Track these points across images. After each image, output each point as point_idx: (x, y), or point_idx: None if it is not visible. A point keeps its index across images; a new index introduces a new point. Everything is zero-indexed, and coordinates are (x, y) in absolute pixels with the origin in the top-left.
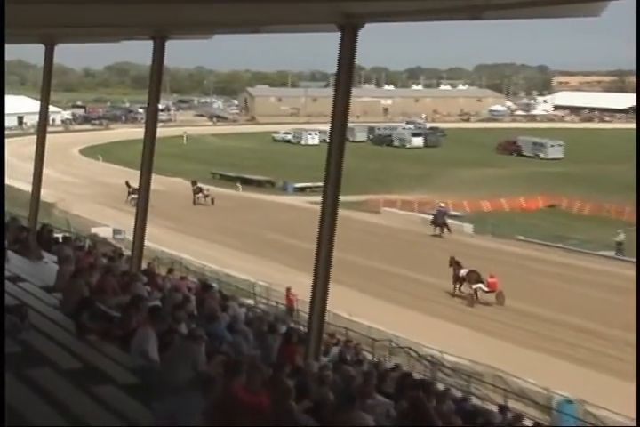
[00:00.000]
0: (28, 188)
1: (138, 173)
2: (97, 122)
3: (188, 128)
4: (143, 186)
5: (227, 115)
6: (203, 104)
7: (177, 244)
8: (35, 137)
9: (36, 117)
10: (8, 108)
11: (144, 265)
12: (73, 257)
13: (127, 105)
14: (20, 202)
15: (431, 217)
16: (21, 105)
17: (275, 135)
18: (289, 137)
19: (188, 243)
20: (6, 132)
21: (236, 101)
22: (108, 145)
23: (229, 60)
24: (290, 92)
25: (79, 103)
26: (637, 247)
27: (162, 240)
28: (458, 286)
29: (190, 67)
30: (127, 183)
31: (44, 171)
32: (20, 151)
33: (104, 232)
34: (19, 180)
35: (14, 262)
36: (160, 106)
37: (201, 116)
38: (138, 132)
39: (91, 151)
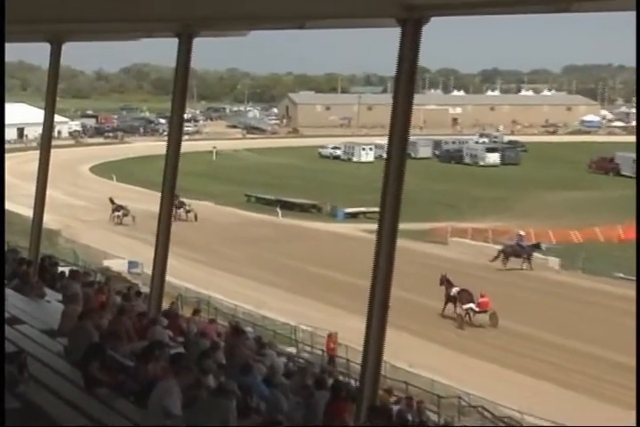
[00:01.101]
0: (28, 212)
1: (158, 194)
2: (111, 134)
3: (218, 142)
4: (165, 210)
5: (264, 126)
6: (236, 113)
7: (205, 279)
8: (37, 152)
9: (39, 129)
10: (7, 118)
11: (165, 305)
12: (81, 295)
13: (146, 114)
14: (20, 229)
15: (507, 248)
16: (22, 114)
17: (321, 150)
18: (338, 152)
19: (217, 279)
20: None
21: (275, 110)
22: (123, 162)
23: (268, 60)
24: (340, 98)
25: (90, 112)
26: (637, 259)
27: (186, 275)
28: (451, 306)
29: (222, 69)
30: (111, 200)
31: (48, 192)
32: (19, 169)
33: (118, 265)
34: (18, 203)
35: (12, 301)
36: (185, 115)
37: (234, 127)
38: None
39: (103, 169)
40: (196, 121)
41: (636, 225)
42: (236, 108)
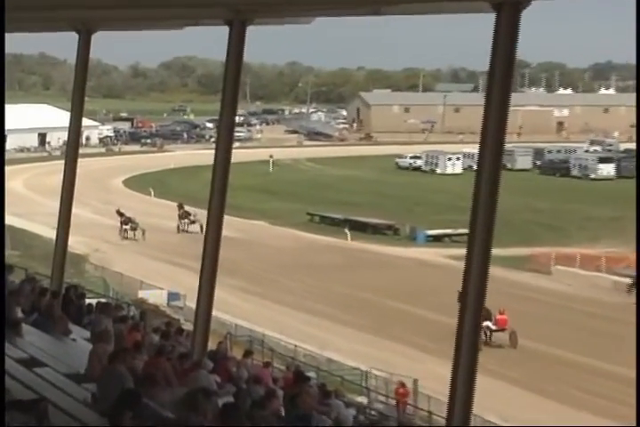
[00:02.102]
0: (50, 234)
1: (204, 212)
2: (148, 141)
3: (275, 150)
4: (212, 232)
5: (331, 131)
6: (297, 116)
7: (259, 315)
8: (62, 162)
9: (64, 135)
10: (26, 122)
11: (211, 345)
12: (112, 332)
13: (191, 117)
14: (40, 253)
15: (629, 280)
16: (44, 117)
17: (399, 160)
18: (419, 163)
19: (274, 314)
20: (23, 155)
21: (344, 112)
22: (163, 174)
23: (336, 53)
24: (421, 98)
25: (124, 115)
26: (637, 262)
27: (237, 310)
28: None
29: (280, 63)
30: (118, 212)
31: (74, 210)
32: (41, 182)
33: (156, 297)
34: (38, 222)
35: (31, 340)
36: (237, 118)
37: (294, 132)
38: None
39: (139, 182)
40: (250, 125)
41: (636, 226)
42: (297, 110)
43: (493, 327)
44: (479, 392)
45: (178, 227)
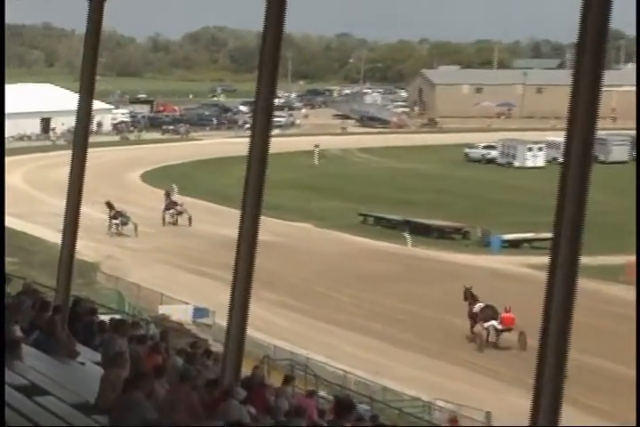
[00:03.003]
0: (55, 238)
1: (237, 213)
2: (171, 128)
3: (322, 138)
4: (246, 236)
5: (388, 116)
6: (348, 97)
7: (301, 335)
8: (68, 153)
9: (72, 120)
10: (26, 105)
11: (245, 370)
12: (128, 355)
13: (221, 99)
14: (42, 260)
15: None
16: (48, 99)
17: (470, 151)
18: (494, 154)
19: (319, 333)
20: (23, 143)
21: (403, 93)
22: (188, 166)
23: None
24: (496, 76)
25: (142, 96)
26: (637, 262)
27: (276, 328)
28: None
29: (329, 35)
30: (108, 204)
31: (83, 210)
32: (43, 176)
33: (179, 313)
34: (40, 224)
35: (31, 363)
36: (277, 101)
37: (344, 117)
38: (238, 144)
39: (159, 177)
40: (292, 109)
41: (636, 226)
42: (347, 91)
43: (499, 327)
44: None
45: (163, 219)
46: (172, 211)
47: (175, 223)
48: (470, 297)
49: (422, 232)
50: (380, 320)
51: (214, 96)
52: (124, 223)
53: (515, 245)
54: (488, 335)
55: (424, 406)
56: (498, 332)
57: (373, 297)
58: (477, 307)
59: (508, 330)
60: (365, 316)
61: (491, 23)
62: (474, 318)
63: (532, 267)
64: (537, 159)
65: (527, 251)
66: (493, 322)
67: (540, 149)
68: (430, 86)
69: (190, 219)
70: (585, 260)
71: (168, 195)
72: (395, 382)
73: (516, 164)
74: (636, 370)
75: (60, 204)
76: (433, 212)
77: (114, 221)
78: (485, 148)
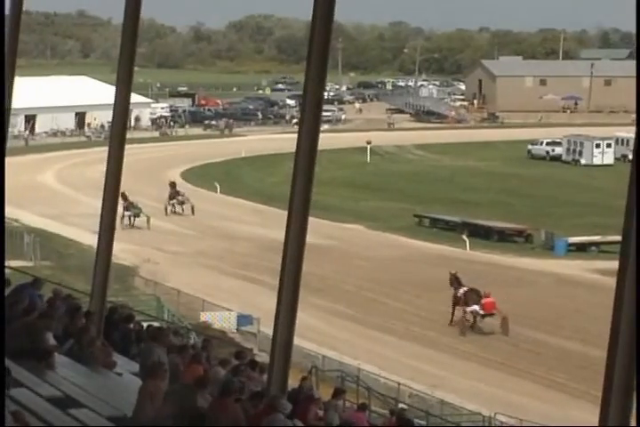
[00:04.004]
0: (90, 240)
1: (283, 214)
2: (214, 123)
3: (374, 134)
4: (294, 238)
5: (445, 110)
6: (402, 90)
7: (353, 344)
8: (105, 149)
9: (108, 115)
10: (60, 99)
11: (292, 381)
12: (167, 365)
13: (267, 92)
14: (77, 264)
15: None
16: (83, 93)
17: (533, 147)
18: (559, 151)
19: (372, 343)
20: (57, 139)
21: (461, 85)
22: (232, 164)
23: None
24: (562, 68)
25: (183, 89)
26: (637, 259)
27: (325, 337)
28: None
29: (382, 23)
30: (123, 195)
31: (121, 210)
32: (78, 175)
33: (222, 320)
34: (75, 225)
35: (64, 373)
36: (327, 94)
37: (398, 111)
38: (285, 140)
39: (201, 175)
40: (342, 102)
41: (636, 223)
42: (401, 83)
43: (481, 312)
44: None
45: (166, 209)
46: (173, 201)
47: (176, 212)
48: (455, 282)
49: (482, 235)
50: (439, 329)
51: (260, 89)
52: (136, 215)
53: (581, 249)
54: (475, 320)
55: (484, 420)
56: (481, 317)
57: (430, 304)
58: (461, 291)
59: (490, 315)
60: (422, 324)
61: (556, 11)
62: (457, 303)
63: (600, 272)
64: (605, 156)
65: (595, 255)
66: (475, 307)
67: (609, 146)
68: (491, 78)
69: (193, 208)
70: None
71: (173, 185)
72: (453, 396)
73: (583, 161)
74: (635, 370)
75: (96, 204)
76: (493, 213)
77: (126, 213)
78: (550, 144)
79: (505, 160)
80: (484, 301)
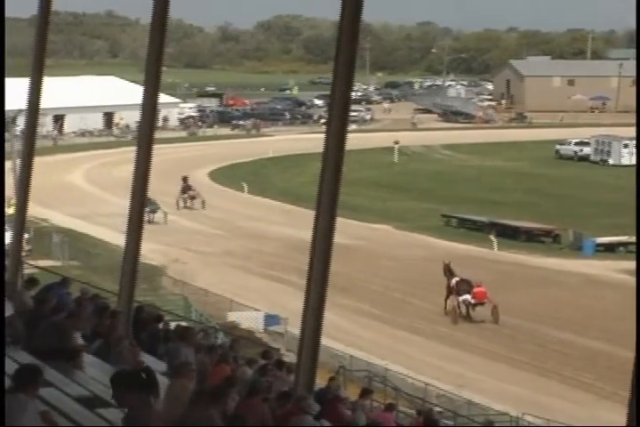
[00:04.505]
0: (118, 240)
1: (311, 214)
2: (241, 123)
3: (402, 134)
4: (321, 238)
5: (473, 110)
6: (430, 90)
7: (380, 344)
8: (133, 149)
9: (136, 114)
10: (88, 99)
11: (320, 381)
12: (195, 365)
13: (295, 92)
14: (105, 264)
15: None
16: (111, 93)
17: (561, 148)
18: (587, 151)
19: (399, 343)
20: (85, 139)
21: (489, 85)
22: (259, 164)
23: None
24: (590, 68)
25: (211, 89)
26: (637, 249)
27: (353, 337)
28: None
29: (409, 23)
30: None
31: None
32: (106, 175)
33: (249, 320)
34: (103, 225)
35: (92, 373)
36: (354, 94)
37: (426, 111)
38: (312, 140)
39: (229, 175)
40: (369, 103)
41: (636, 224)
42: (429, 83)
43: (472, 301)
44: None
45: (177, 203)
46: (185, 195)
47: (187, 206)
48: (448, 272)
49: (510, 235)
50: (465, 329)
51: (288, 89)
52: (153, 211)
53: (609, 249)
54: (468, 309)
55: (512, 420)
56: (472, 306)
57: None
58: (454, 281)
59: (481, 304)
60: (447, 324)
61: (584, 11)
62: (450, 293)
63: (628, 273)
64: (634, 157)
65: (623, 255)
66: (467, 296)
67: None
68: (519, 78)
69: (204, 202)
70: None
71: (185, 179)
72: (480, 396)
73: (611, 161)
74: (635, 370)
75: (124, 203)
76: (521, 213)
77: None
78: (578, 144)
79: (533, 160)
80: (475, 290)
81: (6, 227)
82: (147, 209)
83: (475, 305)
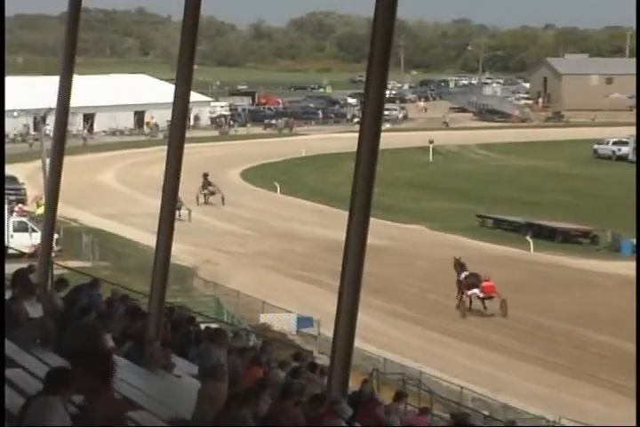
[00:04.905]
0: (149, 240)
1: (344, 214)
2: (274, 122)
3: (436, 133)
4: (355, 239)
5: (509, 109)
6: (465, 89)
7: (414, 346)
8: (164, 148)
9: (167, 113)
10: (119, 97)
11: (353, 384)
12: (227, 367)
13: (328, 91)
14: (136, 265)
15: None
16: (142, 91)
17: (599, 147)
18: (625, 150)
19: (434, 346)
20: (115, 138)
21: (526, 84)
22: (291, 163)
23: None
24: (629, 66)
25: (243, 88)
26: (637, 248)
27: (387, 339)
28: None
29: (444, 20)
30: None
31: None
32: (137, 174)
33: (282, 322)
34: (133, 225)
35: (123, 376)
36: (388, 92)
37: (461, 110)
38: (346, 139)
39: (261, 175)
40: (404, 101)
41: (636, 223)
42: (464, 82)
43: (481, 295)
44: None
45: (197, 198)
46: (205, 191)
47: (207, 202)
48: (459, 266)
49: (546, 236)
50: (503, 332)
51: (321, 88)
52: (178, 208)
53: None
54: (471, 303)
55: (549, 425)
56: (480, 299)
57: (492, 307)
58: (463, 275)
59: (490, 298)
60: (486, 327)
61: (622, 7)
62: (460, 287)
63: None
64: None
65: None
66: (475, 290)
67: None
68: (556, 76)
69: (223, 198)
70: None
71: (206, 176)
72: (517, 400)
73: None
74: (635, 365)
75: (155, 203)
76: (558, 213)
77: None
78: (616, 143)
79: (570, 160)
80: (483, 284)
81: (35, 227)
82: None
83: (483, 299)
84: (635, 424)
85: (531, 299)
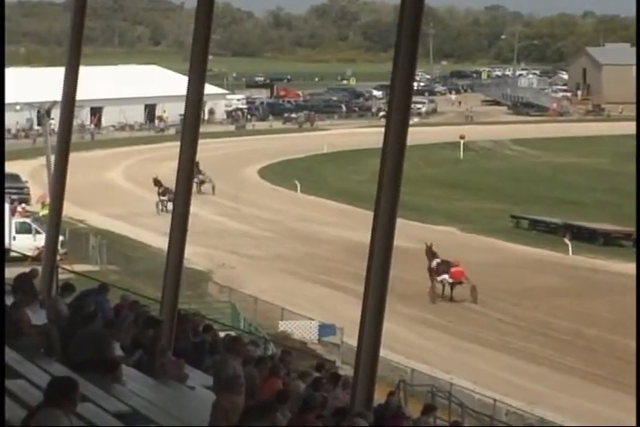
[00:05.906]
0: (160, 242)
1: (369, 214)
2: (294, 115)
3: (467, 128)
4: (381, 241)
5: (546, 102)
6: (499, 80)
7: (444, 356)
8: (176, 144)
9: (180, 106)
10: (129, 90)
11: (379, 396)
12: (243, 379)
13: (352, 83)
14: (147, 269)
15: None
16: (153, 83)
17: None
18: None
19: (465, 356)
20: (125, 134)
21: (564, 75)
22: (313, 160)
23: None
24: None
25: (261, 80)
26: (637, 247)
27: (415, 349)
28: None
29: (477, 7)
30: (156, 180)
31: (193, 210)
32: (148, 172)
33: (302, 330)
34: (144, 227)
35: (133, 387)
36: (416, 84)
37: (495, 103)
38: (370, 135)
39: (280, 172)
40: (433, 93)
41: (636, 223)
42: (498, 73)
43: (450, 280)
44: None
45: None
46: (195, 180)
47: (200, 191)
48: (430, 253)
49: (586, 238)
50: (540, 341)
51: (344, 79)
52: (171, 200)
53: None
54: (443, 289)
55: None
56: (450, 285)
57: (529, 314)
58: (434, 263)
59: (459, 283)
60: (521, 335)
61: None
62: (431, 273)
63: None
64: None
65: None
66: (445, 276)
67: None
68: (596, 67)
69: (214, 188)
70: None
71: (197, 164)
72: (555, 413)
73: None
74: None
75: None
76: (599, 214)
77: (161, 198)
78: None
79: (612, 156)
80: (452, 269)
81: (39, 228)
82: (164, 198)
83: (452, 284)
84: (634, 424)
85: (569, 305)
